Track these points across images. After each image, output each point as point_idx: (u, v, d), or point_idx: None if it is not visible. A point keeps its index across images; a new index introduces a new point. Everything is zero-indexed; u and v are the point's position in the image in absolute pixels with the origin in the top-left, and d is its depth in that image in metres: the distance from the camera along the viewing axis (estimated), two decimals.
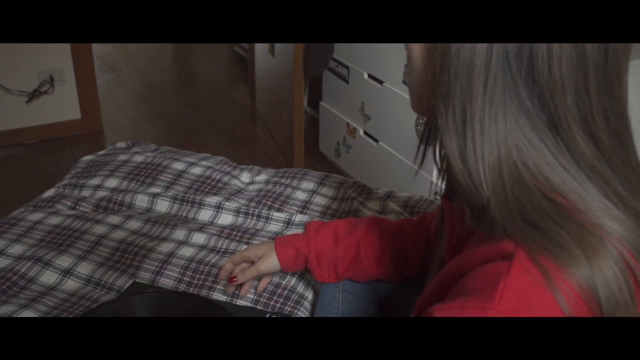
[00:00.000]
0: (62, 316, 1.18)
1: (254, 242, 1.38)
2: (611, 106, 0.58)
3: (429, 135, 0.76)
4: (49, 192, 1.65)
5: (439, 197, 2.07)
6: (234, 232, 1.41)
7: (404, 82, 2.16)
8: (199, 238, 1.38)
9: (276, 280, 1.25)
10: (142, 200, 1.55)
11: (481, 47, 0.55)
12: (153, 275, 1.28)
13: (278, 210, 1.51)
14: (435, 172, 2.09)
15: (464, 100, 0.56)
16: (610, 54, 0.57)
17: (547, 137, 0.57)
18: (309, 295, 1.23)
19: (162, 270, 1.28)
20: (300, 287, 1.24)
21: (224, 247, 1.35)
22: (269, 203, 1.53)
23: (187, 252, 1.33)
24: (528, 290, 0.56)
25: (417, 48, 0.64)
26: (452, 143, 0.58)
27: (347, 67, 2.49)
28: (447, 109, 0.58)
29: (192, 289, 1.25)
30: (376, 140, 2.40)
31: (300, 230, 1.42)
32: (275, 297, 1.22)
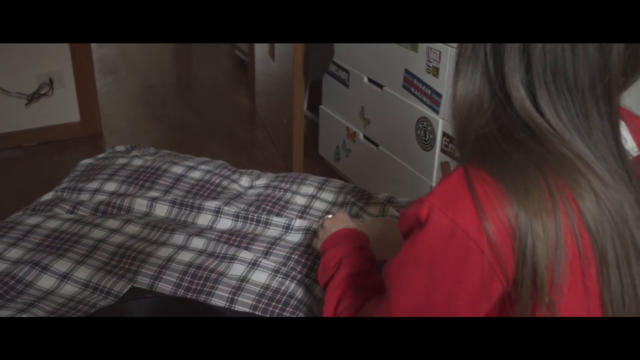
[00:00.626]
0: None
1: (253, 247, 1.37)
2: (562, 103, 0.66)
3: None
4: (47, 196, 1.64)
5: None
6: (233, 237, 1.40)
7: (403, 86, 2.15)
8: (197, 243, 1.38)
9: (275, 286, 1.24)
10: (140, 205, 1.54)
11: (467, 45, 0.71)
12: (151, 280, 1.27)
13: (277, 215, 1.50)
14: (435, 177, 2.08)
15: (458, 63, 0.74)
16: (558, 60, 0.65)
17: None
18: (308, 300, 1.22)
19: (161, 275, 1.28)
20: (299, 293, 1.23)
21: (223, 251, 1.35)
22: (268, 208, 1.53)
23: (185, 256, 1.33)
24: (458, 195, 0.64)
25: None
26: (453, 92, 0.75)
27: (347, 71, 2.49)
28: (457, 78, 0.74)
29: (190, 294, 1.24)
30: (376, 145, 2.39)
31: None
32: (274, 303, 1.21)
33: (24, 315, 1.17)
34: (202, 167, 1.70)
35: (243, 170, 1.74)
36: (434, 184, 2.08)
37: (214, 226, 1.48)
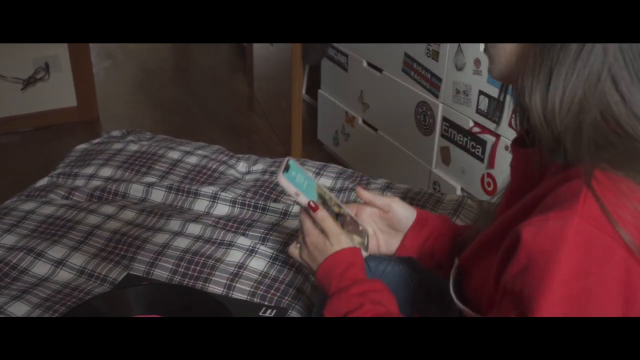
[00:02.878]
0: (55, 307, 1.16)
1: (250, 233, 1.35)
2: None
3: (504, 96, 0.88)
4: (42, 182, 1.62)
5: (438, 186, 2.04)
6: (230, 223, 1.39)
7: (403, 70, 2.13)
8: (194, 229, 1.36)
9: (273, 274, 1.23)
10: (136, 190, 1.53)
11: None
12: (147, 267, 1.25)
13: (275, 201, 1.49)
14: (434, 162, 2.07)
15: (551, 66, 0.70)
16: None
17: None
18: (307, 289, 1.21)
19: (157, 262, 1.26)
20: (298, 281, 1.22)
21: (219, 238, 1.33)
22: (265, 193, 1.51)
23: (182, 243, 1.31)
24: (607, 201, 0.64)
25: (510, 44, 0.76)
26: (536, 97, 0.71)
27: (346, 55, 2.46)
28: (535, 74, 0.71)
29: (187, 280, 1.23)
30: (375, 129, 2.37)
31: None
32: (272, 291, 1.19)
33: (18, 302, 1.16)
34: (199, 152, 1.68)
35: (240, 156, 1.72)
36: (433, 169, 2.06)
37: (211, 212, 1.46)
